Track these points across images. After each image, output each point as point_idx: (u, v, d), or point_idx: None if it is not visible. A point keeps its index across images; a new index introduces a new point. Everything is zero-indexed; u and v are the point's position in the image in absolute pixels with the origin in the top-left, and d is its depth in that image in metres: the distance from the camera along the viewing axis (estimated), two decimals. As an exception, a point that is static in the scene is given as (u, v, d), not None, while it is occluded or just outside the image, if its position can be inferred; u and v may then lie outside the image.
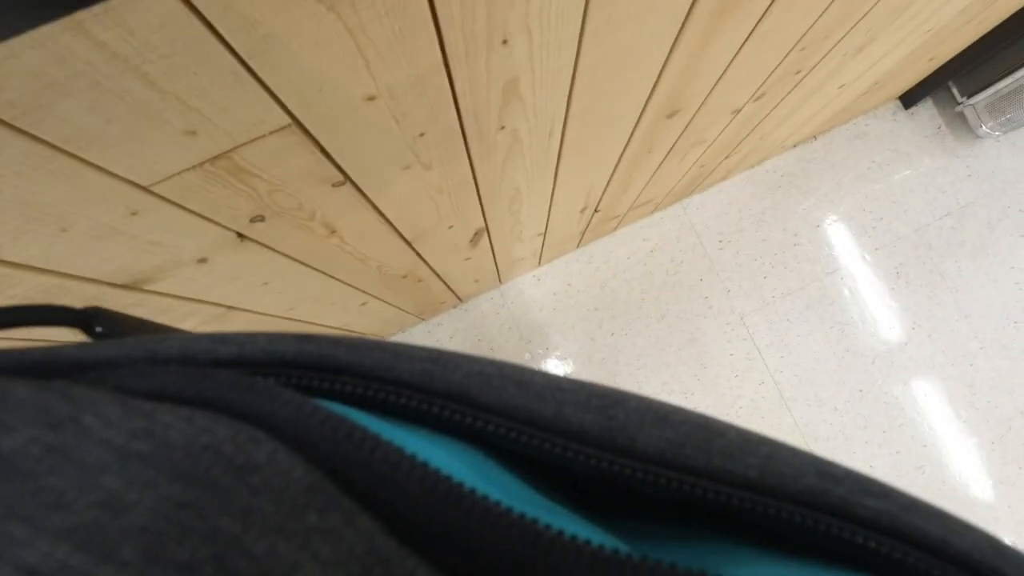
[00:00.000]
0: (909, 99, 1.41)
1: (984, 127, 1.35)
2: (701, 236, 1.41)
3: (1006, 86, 1.23)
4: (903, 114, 1.45)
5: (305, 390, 0.12)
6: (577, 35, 0.41)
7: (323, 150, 0.41)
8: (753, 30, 0.55)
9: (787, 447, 0.12)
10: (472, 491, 0.10)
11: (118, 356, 0.12)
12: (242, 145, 0.36)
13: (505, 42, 0.37)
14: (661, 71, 0.55)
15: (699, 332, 1.38)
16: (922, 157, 1.43)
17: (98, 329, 0.23)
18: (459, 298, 1.30)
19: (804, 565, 0.12)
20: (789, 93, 0.86)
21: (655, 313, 1.38)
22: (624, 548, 0.10)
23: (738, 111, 0.82)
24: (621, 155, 0.76)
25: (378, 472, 0.10)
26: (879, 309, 1.38)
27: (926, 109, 1.45)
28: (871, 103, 1.36)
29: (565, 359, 1.36)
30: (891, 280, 1.39)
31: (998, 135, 1.38)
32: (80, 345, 0.12)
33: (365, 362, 0.12)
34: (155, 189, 0.36)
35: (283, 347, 0.13)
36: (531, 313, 1.37)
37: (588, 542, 0.10)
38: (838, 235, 1.41)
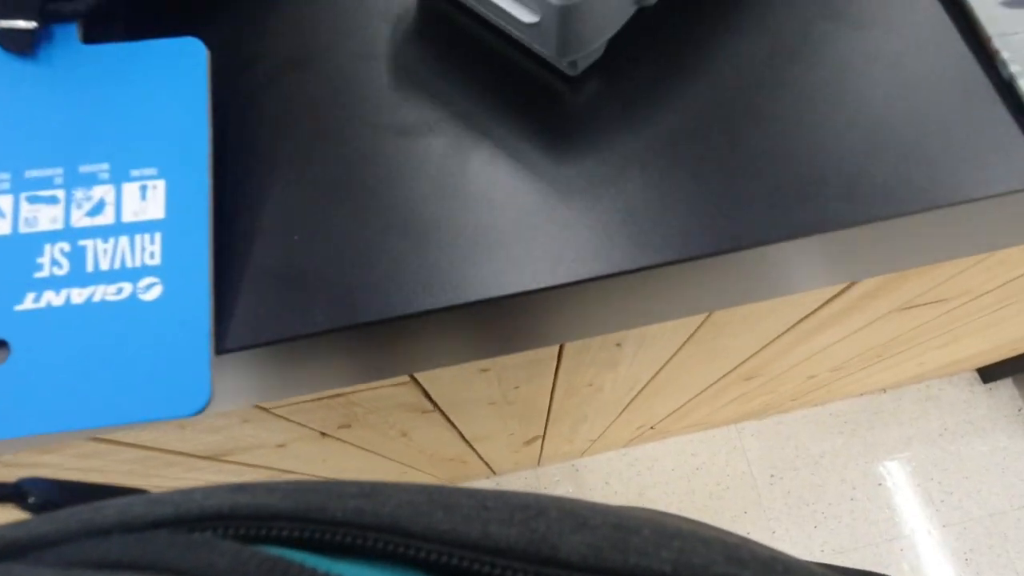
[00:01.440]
0: (988, 374, 1.38)
1: (1070, 424, 1.29)
2: (752, 465, 1.35)
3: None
4: (980, 387, 1.41)
5: (243, 539, 0.13)
6: (681, 344, 0.44)
7: (427, 395, 0.43)
8: (852, 334, 0.57)
9: (698, 537, 0.13)
10: None
11: (55, 532, 0.13)
12: (361, 390, 0.39)
13: (619, 345, 0.41)
14: (751, 356, 0.57)
15: (736, 571, 1.27)
16: (999, 436, 1.36)
17: (31, 500, 0.23)
18: (494, 471, 1.27)
19: None
20: (867, 367, 0.86)
21: (692, 537, 1.29)
22: None
23: (813, 377, 0.83)
24: (690, 400, 0.77)
25: None
26: (943, 598, 1.24)
27: (1006, 388, 1.40)
28: (947, 371, 1.33)
29: (587, 564, 1.27)
30: (959, 565, 1.26)
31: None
32: (15, 525, 0.13)
33: (299, 506, 0.13)
34: (274, 410, 0.39)
35: (218, 501, 0.13)
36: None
37: None
38: (902, 500, 1.32)
